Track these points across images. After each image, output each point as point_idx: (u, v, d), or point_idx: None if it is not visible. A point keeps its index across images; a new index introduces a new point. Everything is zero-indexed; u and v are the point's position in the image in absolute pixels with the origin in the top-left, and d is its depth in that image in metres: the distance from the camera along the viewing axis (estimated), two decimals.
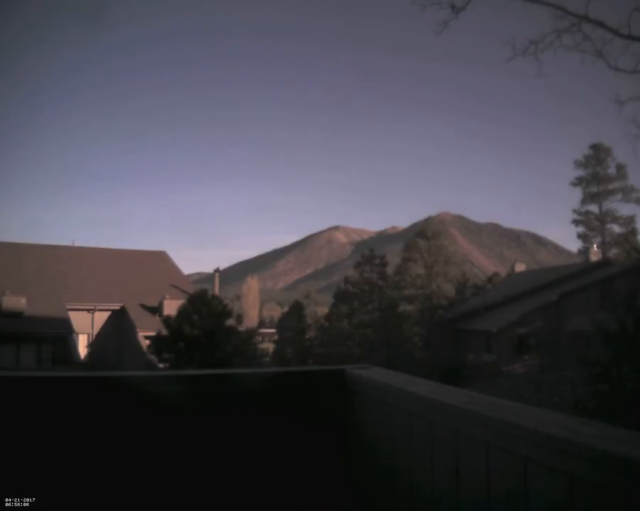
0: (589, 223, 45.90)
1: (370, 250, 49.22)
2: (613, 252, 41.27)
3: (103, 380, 2.37)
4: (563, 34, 14.66)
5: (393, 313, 39.05)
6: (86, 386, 2.22)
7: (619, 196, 45.30)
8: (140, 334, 27.88)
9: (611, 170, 45.42)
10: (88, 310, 31.13)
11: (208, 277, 61.76)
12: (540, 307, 31.36)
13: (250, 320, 67.12)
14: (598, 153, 45.46)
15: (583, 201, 46.28)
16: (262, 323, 72.83)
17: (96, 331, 31.52)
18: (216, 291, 31.31)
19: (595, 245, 41.03)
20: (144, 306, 30.47)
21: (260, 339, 44.35)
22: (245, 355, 22.97)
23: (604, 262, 35.69)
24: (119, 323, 31.42)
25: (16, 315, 27.35)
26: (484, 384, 25.44)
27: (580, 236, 46.17)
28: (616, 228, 45.26)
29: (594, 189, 45.76)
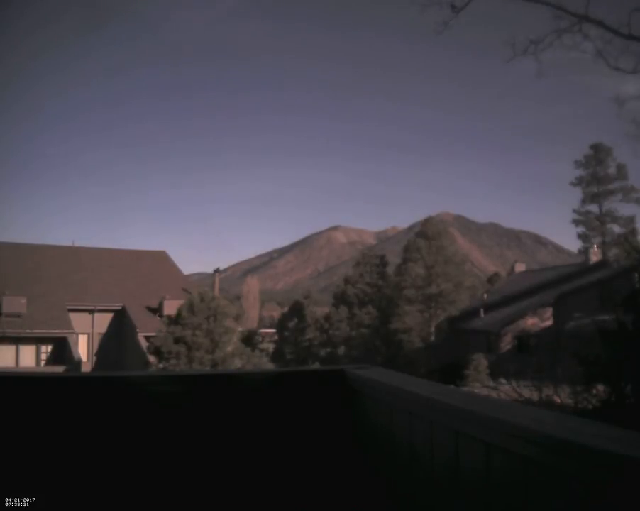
0: (589, 223, 45.93)
1: (369, 250, 49.30)
2: (613, 252, 41.26)
3: (103, 380, 2.37)
4: (563, 34, 14.68)
5: (393, 313, 39.05)
6: (87, 386, 2.22)
7: (619, 196, 45.36)
8: (140, 334, 27.88)
9: (612, 170, 45.47)
10: (88, 310, 31.13)
11: (208, 277, 61.72)
12: (540, 307, 31.39)
13: (250, 320, 67.11)
14: (598, 153, 45.50)
15: (583, 201, 46.34)
16: (262, 324, 72.82)
17: (96, 331, 31.53)
18: (216, 291, 31.34)
19: (595, 245, 41.05)
20: (144, 307, 30.50)
21: (260, 339, 44.40)
22: (245, 355, 23.01)
23: (604, 262, 35.71)
24: (119, 324, 31.43)
25: (16, 315, 27.38)
26: (484, 384, 25.46)
27: (580, 236, 46.23)
28: (616, 228, 45.34)
29: (594, 189, 45.80)
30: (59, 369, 23.91)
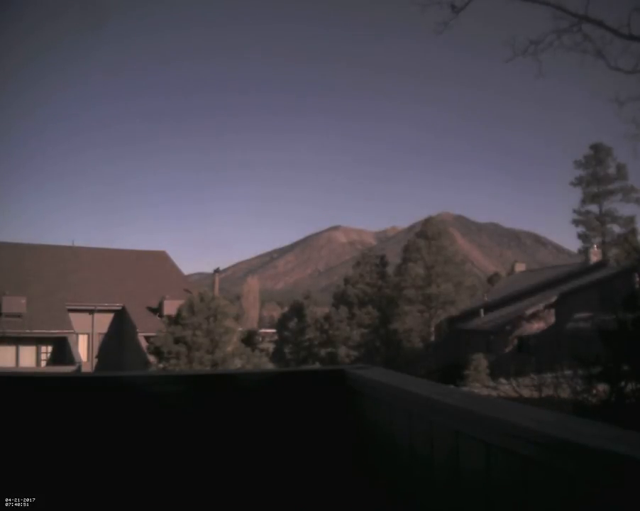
0: (589, 223, 45.93)
1: (369, 250, 49.28)
2: (613, 252, 41.28)
3: (103, 380, 2.37)
4: (563, 34, 14.69)
5: (393, 313, 39.06)
6: (86, 386, 2.22)
7: (619, 196, 45.37)
8: (140, 334, 27.89)
9: (611, 170, 45.48)
10: (88, 310, 31.14)
11: (208, 277, 61.77)
12: (540, 307, 31.38)
13: (250, 320, 67.14)
14: (598, 153, 45.50)
15: (583, 201, 46.34)
16: (262, 324, 72.87)
17: (96, 331, 31.54)
18: (216, 291, 31.33)
19: (595, 245, 41.04)
20: (144, 307, 30.50)
21: (260, 339, 44.44)
22: (245, 355, 23.01)
23: (604, 262, 35.71)
24: (119, 324, 31.44)
25: (16, 315, 27.39)
26: (484, 384, 25.44)
27: (580, 236, 46.24)
28: (616, 228, 45.36)
29: (594, 189, 45.81)
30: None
